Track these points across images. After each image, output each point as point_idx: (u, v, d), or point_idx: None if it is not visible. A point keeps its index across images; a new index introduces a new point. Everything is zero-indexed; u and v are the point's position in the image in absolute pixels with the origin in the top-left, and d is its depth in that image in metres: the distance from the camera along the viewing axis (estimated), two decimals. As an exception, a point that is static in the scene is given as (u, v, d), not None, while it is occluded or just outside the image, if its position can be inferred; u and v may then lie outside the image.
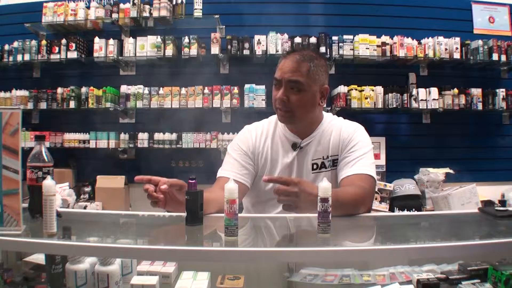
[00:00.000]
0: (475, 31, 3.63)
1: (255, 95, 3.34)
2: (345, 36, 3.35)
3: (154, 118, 3.53)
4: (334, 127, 1.59)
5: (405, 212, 3.02)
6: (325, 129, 1.59)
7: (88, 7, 3.41)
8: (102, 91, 3.35)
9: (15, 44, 3.44)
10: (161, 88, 3.37)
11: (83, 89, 3.40)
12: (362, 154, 1.51)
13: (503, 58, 3.39)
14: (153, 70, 3.57)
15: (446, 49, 3.38)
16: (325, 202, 0.99)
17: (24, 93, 3.44)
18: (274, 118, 1.67)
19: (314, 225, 1.02)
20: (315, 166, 1.56)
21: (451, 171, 3.36)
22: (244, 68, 3.53)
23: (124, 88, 3.42)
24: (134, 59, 3.48)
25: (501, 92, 3.40)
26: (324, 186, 1.00)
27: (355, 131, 1.58)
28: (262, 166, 1.59)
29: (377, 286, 1.12)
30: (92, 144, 3.37)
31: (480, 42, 3.38)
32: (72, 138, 3.40)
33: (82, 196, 3.34)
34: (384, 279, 1.16)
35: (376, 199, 3.24)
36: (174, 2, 3.35)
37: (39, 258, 1.25)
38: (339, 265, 1.21)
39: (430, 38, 3.40)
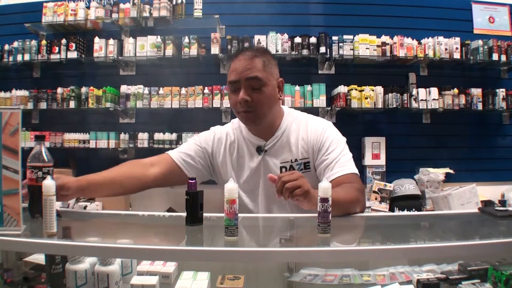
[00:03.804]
0: (475, 31, 3.63)
1: (255, 95, 3.33)
2: (345, 36, 3.35)
3: (154, 118, 3.53)
4: (300, 126, 1.55)
5: (405, 212, 3.02)
6: (288, 128, 1.55)
7: (88, 7, 3.41)
8: (102, 91, 3.35)
9: (15, 44, 3.44)
10: (161, 88, 3.37)
11: (83, 89, 3.40)
12: (339, 153, 1.48)
13: (503, 58, 3.39)
14: (153, 70, 3.57)
15: (446, 49, 3.37)
16: (325, 202, 0.99)
17: (24, 93, 3.44)
18: (236, 122, 1.63)
19: (314, 225, 1.02)
20: (283, 170, 1.52)
21: (451, 171, 3.36)
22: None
23: (124, 88, 3.42)
24: (134, 59, 3.48)
25: (501, 92, 3.40)
26: (324, 186, 0.99)
27: (324, 130, 1.53)
28: (223, 171, 1.57)
29: (377, 286, 1.12)
30: (92, 144, 3.37)
31: (480, 42, 3.38)
32: (72, 138, 3.40)
33: (82, 196, 3.34)
34: (384, 279, 1.16)
35: (376, 199, 3.24)
36: (174, 2, 3.35)
37: (39, 258, 1.25)
38: (339, 265, 1.21)
39: (430, 38, 3.40)
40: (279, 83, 1.53)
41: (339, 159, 1.47)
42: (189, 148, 1.58)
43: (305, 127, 1.54)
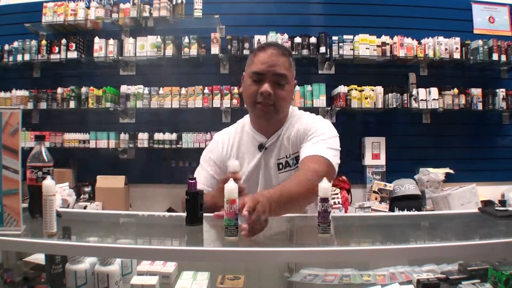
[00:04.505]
0: (475, 31, 3.63)
1: (255, 95, 3.33)
2: (345, 36, 3.35)
3: (154, 118, 3.54)
4: (296, 124, 1.55)
5: (405, 212, 3.02)
6: (288, 126, 1.56)
7: (88, 7, 3.41)
8: (102, 91, 3.35)
9: (15, 44, 3.44)
10: (161, 88, 3.37)
11: (83, 89, 3.40)
12: (318, 140, 1.43)
13: (503, 58, 3.39)
14: (153, 70, 3.57)
15: (446, 49, 3.38)
16: (325, 202, 0.99)
17: (24, 93, 3.44)
18: (241, 121, 1.65)
19: (314, 225, 1.02)
20: (280, 166, 1.54)
21: (451, 171, 3.36)
22: (244, 68, 3.52)
23: (124, 88, 3.42)
24: (134, 59, 3.48)
25: (501, 92, 3.40)
26: (323, 186, 0.99)
27: (314, 122, 1.52)
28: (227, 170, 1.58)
29: (377, 286, 1.12)
30: (92, 144, 3.37)
31: (480, 42, 3.38)
32: (72, 138, 3.40)
33: (82, 196, 3.34)
34: (384, 279, 1.16)
35: (376, 199, 3.24)
36: (174, 2, 3.35)
37: (39, 258, 1.25)
38: (339, 265, 1.21)
39: (430, 38, 3.40)
40: (294, 85, 1.57)
41: (316, 144, 1.41)
42: (205, 171, 1.59)
43: (300, 124, 1.55)
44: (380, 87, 3.36)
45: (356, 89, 3.33)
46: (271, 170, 1.53)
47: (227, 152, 1.59)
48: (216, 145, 1.63)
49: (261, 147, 1.55)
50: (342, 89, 3.33)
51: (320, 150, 1.38)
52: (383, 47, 3.35)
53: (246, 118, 1.64)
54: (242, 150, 1.58)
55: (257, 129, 1.57)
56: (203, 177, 1.57)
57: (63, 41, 3.39)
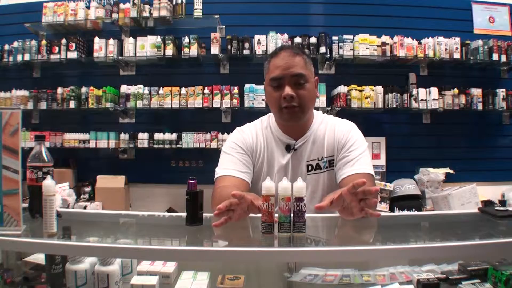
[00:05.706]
0: (475, 31, 3.63)
1: (255, 95, 3.34)
2: (345, 36, 3.35)
3: (154, 118, 3.54)
4: (327, 127, 1.58)
5: (405, 212, 3.02)
6: (317, 129, 1.58)
7: (88, 7, 3.41)
8: (102, 91, 3.35)
9: (15, 44, 3.44)
10: (161, 88, 3.37)
11: (83, 89, 3.40)
12: (360, 153, 1.51)
13: (503, 58, 3.39)
14: (153, 70, 3.57)
15: (446, 49, 3.38)
16: (300, 201, 0.99)
17: (24, 93, 3.44)
18: (265, 118, 1.65)
19: (314, 225, 1.02)
20: (310, 168, 1.55)
21: (451, 171, 3.36)
22: (244, 68, 3.53)
23: (124, 88, 3.42)
24: (134, 59, 3.48)
25: (501, 92, 3.40)
26: (299, 186, 1.00)
27: (350, 130, 1.57)
28: (258, 166, 1.58)
29: (377, 286, 1.12)
30: (92, 144, 3.37)
31: (480, 42, 3.38)
32: (72, 138, 3.40)
33: (82, 196, 3.34)
34: (384, 279, 1.17)
35: (376, 199, 3.24)
36: (174, 2, 3.35)
37: (39, 258, 1.25)
38: (339, 265, 1.21)
39: (430, 38, 3.40)
40: (316, 81, 1.57)
41: (360, 158, 1.49)
42: (235, 158, 1.55)
43: (333, 127, 1.57)
44: (380, 87, 3.36)
45: (356, 89, 3.33)
46: (300, 171, 1.54)
47: (254, 142, 1.58)
48: (244, 134, 1.61)
49: (288, 148, 1.56)
50: (342, 89, 3.34)
51: (366, 167, 1.48)
52: (383, 47, 3.35)
53: (270, 119, 1.63)
54: (271, 146, 1.58)
55: (284, 131, 1.58)
56: (232, 163, 1.53)
57: (63, 41, 3.39)
